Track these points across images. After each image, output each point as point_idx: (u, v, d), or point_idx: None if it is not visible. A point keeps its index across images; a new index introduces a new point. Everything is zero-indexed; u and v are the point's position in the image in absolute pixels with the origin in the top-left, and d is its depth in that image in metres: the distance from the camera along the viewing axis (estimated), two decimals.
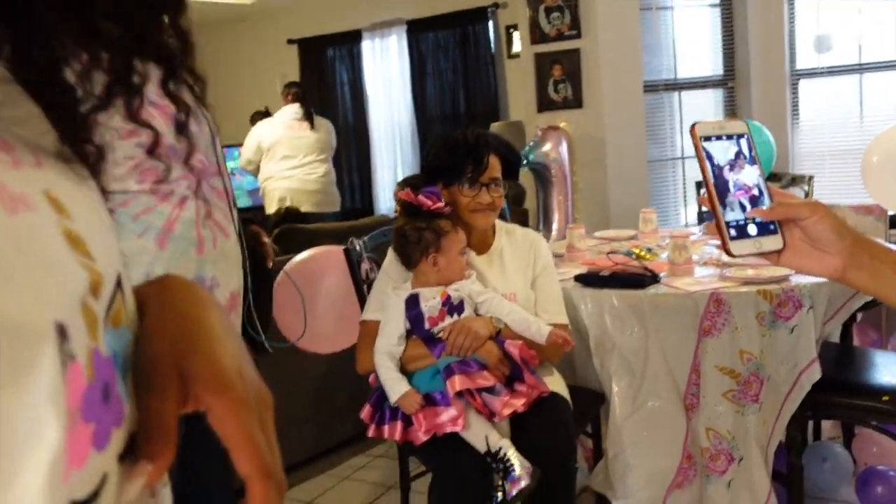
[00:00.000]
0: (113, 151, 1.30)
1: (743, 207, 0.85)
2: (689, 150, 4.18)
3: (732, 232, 0.85)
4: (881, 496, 2.32)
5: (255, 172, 5.09)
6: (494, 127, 4.68)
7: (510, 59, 5.93)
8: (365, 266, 2.18)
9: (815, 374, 1.98)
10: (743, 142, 0.88)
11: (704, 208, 3.47)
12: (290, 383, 3.05)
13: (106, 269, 0.39)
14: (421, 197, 1.93)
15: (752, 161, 0.88)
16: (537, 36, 4.11)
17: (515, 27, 5.45)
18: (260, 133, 4.96)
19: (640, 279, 2.16)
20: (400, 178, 6.39)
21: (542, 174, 3.91)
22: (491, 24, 6.08)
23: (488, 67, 6.14)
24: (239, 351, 0.48)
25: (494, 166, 2.02)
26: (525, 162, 3.96)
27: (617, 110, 4.02)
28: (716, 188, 0.85)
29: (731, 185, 0.86)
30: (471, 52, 6.24)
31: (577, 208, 3.96)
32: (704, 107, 4.34)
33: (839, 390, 2.13)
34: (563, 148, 3.94)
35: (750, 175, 0.87)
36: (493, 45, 6.08)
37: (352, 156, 6.78)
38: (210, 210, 1.50)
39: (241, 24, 7.12)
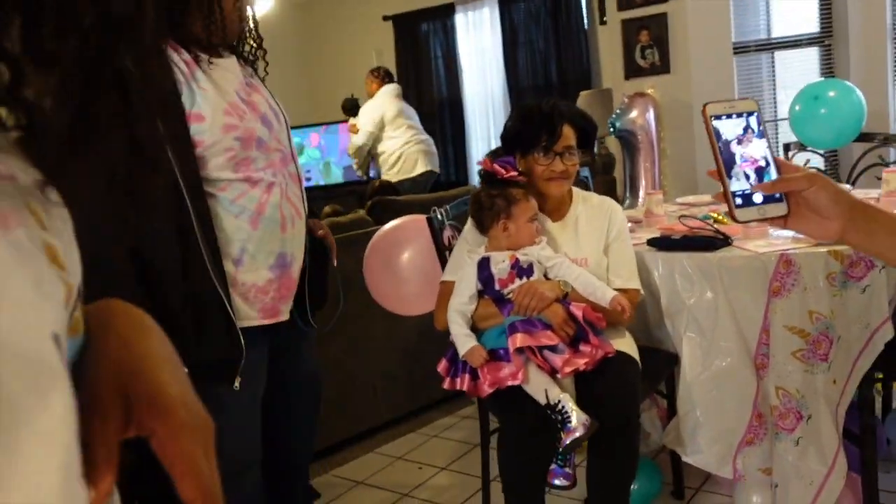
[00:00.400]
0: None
1: (748, 177, 0.93)
2: (782, 112, 4.09)
3: (738, 200, 0.93)
4: None
5: (366, 150, 5.54)
6: (583, 95, 4.70)
7: (602, 25, 5.90)
8: (447, 233, 2.32)
9: (889, 333, 1.99)
10: (752, 119, 0.96)
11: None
12: (383, 345, 3.25)
13: (74, 280, 0.40)
14: (496, 165, 2.04)
15: (761, 135, 0.95)
16: (624, 2, 4.10)
17: None
18: (378, 106, 5.45)
19: (712, 241, 2.21)
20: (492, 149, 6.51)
21: (629, 141, 3.93)
22: None
23: (579, 35, 6.11)
24: (181, 377, 0.50)
25: (568, 136, 2.11)
26: (612, 130, 3.99)
27: (705, 74, 3.97)
28: (724, 161, 0.94)
29: (737, 157, 0.94)
30: (562, 20, 6.23)
31: (665, 174, 3.96)
32: (800, 66, 4.22)
33: None
34: (651, 115, 3.94)
35: (758, 148, 0.95)
36: (584, 13, 6.04)
37: (447, 129, 6.92)
38: (288, 194, 1.70)
39: (337, 2, 7.35)
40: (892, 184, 2.51)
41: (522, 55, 6.55)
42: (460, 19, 6.84)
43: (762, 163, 0.95)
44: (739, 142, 0.96)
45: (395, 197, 3.76)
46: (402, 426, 3.28)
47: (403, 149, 5.42)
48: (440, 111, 7.00)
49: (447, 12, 6.86)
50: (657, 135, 3.94)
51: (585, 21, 6.03)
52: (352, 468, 2.94)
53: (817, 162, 3.44)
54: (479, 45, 6.77)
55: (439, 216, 2.34)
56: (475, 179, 6.53)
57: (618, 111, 3.98)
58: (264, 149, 1.66)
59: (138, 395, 0.45)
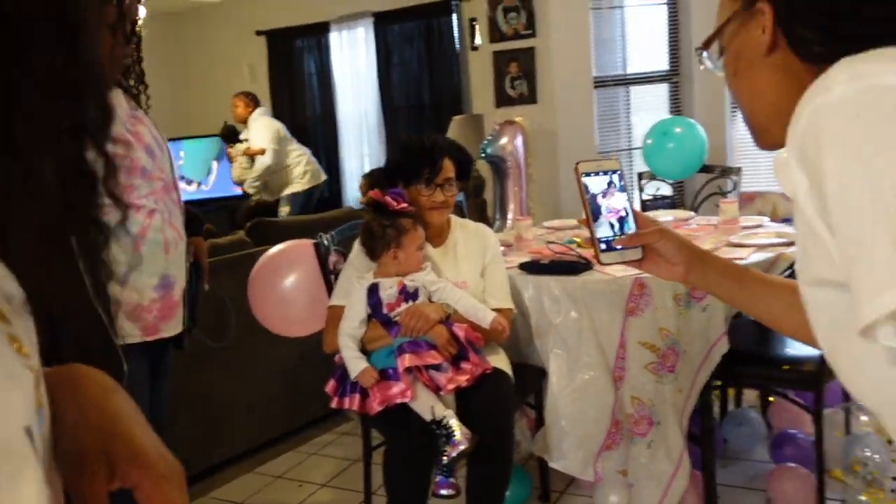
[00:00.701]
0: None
1: (612, 226, 1.11)
2: (636, 141, 4.47)
3: (603, 246, 1.11)
4: (791, 456, 2.63)
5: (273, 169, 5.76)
6: (456, 121, 4.92)
7: (473, 51, 6.16)
8: (332, 258, 2.42)
9: (724, 347, 2.28)
10: (615, 176, 1.14)
11: (646, 193, 3.75)
12: (264, 366, 3.29)
13: (36, 362, 0.44)
14: (387, 197, 2.17)
15: (622, 189, 1.14)
16: (496, 35, 4.35)
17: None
18: (269, 124, 5.78)
19: (575, 266, 2.44)
20: (367, 168, 6.63)
21: (499, 166, 4.16)
22: (455, 17, 6.28)
23: (452, 59, 6.34)
24: (149, 430, 0.55)
25: (448, 168, 2.27)
26: (483, 155, 4.21)
27: (569, 105, 4.28)
28: (591, 212, 1.12)
29: (603, 208, 1.12)
30: (435, 44, 6.45)
31: (531, 198, 4.22)
32: (652, 100, 4.62)
33: (749, 362, 2.43)
34: (519, 141, 4.20)
35: (619, 200, 1.13)
36: (456, 38, 6.29)
37: (319, 146, 6.96)
38: (171, 220, 1.85)
39: (210, 15, 7.26)
40: (729, 213, 2.85)
41: (397, 75, 6.71)
42: (335, 38, 6.93)
43: (623, 213, 1.14)
44: (604, 195, 1.14)
45: (275, 218, 3.81)
46: (281, 445, 3.33)
47: (302, 159, 5.80)
48: (314, 128, 7.04)
49: (322, 30, 6.93)
50: (525, 160, 4.20)
51: (458, 46, 6.27)
52: (232, 489, 2.97)
53: (665, 190, 3.80)
54: (353, 64, 6.88)
55: (325, 241, 2.45)
56: (349, 198, 6.63)
57: (489, 137, 4.22)
58: (148, 177, 1.79)
59: (119, 454, 0.51)
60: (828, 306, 0.75)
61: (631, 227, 1.13)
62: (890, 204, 0.61)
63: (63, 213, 0.43)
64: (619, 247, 1.11)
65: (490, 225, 4.21)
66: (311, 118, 7.07)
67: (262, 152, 5.64)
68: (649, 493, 2.29)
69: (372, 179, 4.37)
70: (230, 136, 5.82)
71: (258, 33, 7.15)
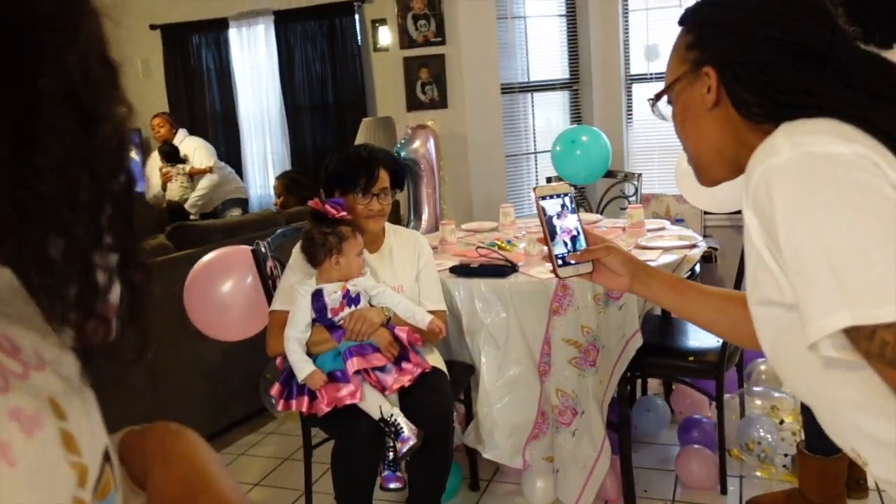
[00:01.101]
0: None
1: (565, 244, 1.27)
2: (541, 146, 4.70)
3: (559, 261, 1.27)
4: (696, 439, 2.89)
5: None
6: (365, 122, 4.99)
7: (376, 52, 6.23)
8: (269, 264, 2.48)
9: (638, 341, 2.50)
10: (566, 199, 1.30)
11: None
12: (187, 367, 3.29)
13: (92, 457, 0.44)
14: (328, 206, 2.25)
15: (573, 211, 1.29)
16: (406, 41, 4.47)
17: (382, 21, 5.77)
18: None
19: (503, 270, 2.60)
20: (270, 166, 6.60)
21: (412, 169, 4.29)
22: (357, 17, 6.34)
23: (355, 60, 6.39)
24: (236, 485, 0.56)
25: (384, 178, 2.38)
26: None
27: (478, 110, 4.46)
28: (549, 231, 1.27)
29: (558, 229, 1.27)
30: (338, 44, 6.47)
31: (444, 199, 4.37)
32: (554, 107, 4.87)
33: (657, 354, 2.67)
34: (431, 145, 4.33)
35: (571, 221, 1.29)
36: (359, 39, 6.35)
37: (220, 143, 6.84)
38: None
39: (101, 7, 6.98)
40: (636, 217, 3.10)
41: (299, 74, 6.68)
42: (234, 34, 6.82)
43: (574, 232, 1.29)
44: (559, 216, 1.29)
45: (194, 221, 3.79)
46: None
47: (231, 173, 6.07)
48: (214, 126, 6.91)
49: (220, 26, 6.81)
50: (437, 163, 4.35)
51: (360, 47, 6.34)
52: None
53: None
54: (254, 62, 6.79)
55: (262, 248, 2.50)
56: (251, 196, 6.56)
57: (402, 141, 4.33)
58: None
59: None
60: (772, 321, 0.93)
61: (582, 244, 1.29)
62: (828, 247, 0.79)
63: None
64: (573, 262, 1.27)
65: (403, 226, 4.34)
66: (210, 115, 6.94)
67: (210, 170, 5.74)
68: (574, 477, 2.48)
69: (286, 181, 4.40)
70: (172, 156, 5.71)
71: (152, 27, 6.95)
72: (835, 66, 0.93)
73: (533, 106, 4.79)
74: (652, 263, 2.55)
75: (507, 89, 4.63)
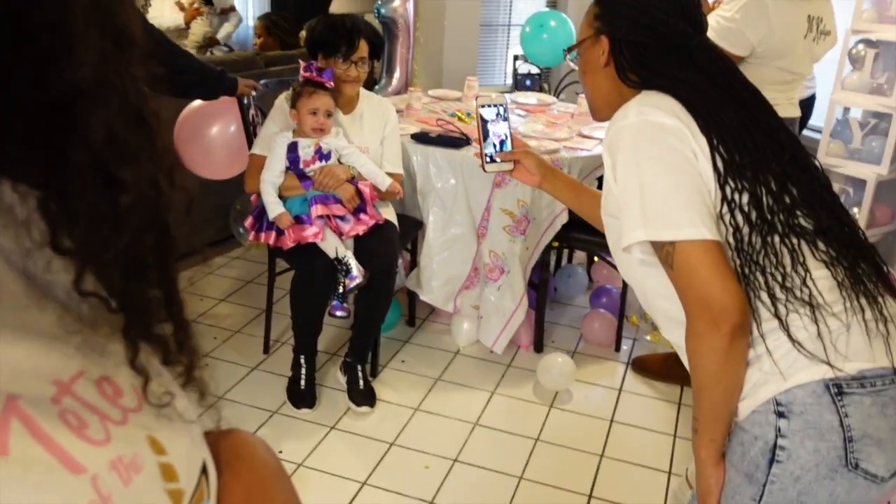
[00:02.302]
0: None
1: (494, 146, 1.62)
2: (516, 18, 4.89)
3: (487, 158, 1.62)
4: (605, 304, 3.39)
5: None
6: None
7: None
8: (252, 112, 2.78)
9: (564, 218, 2.91)
10: (501, 108, 1.63)
11: (519, 72, 4.25)
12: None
13: (190, 478, 0.46)
14: (323, 77, 2.52)
15: (506, 119, 1.63)
16: None
17: None
18: None
19: (458, 141, 2.95)
20: (248, 6, 6.61)
21: (389, 28, 4.48)
22: None
23: None
24: (296, 497, 0.58)
25: (363, 48, 2.66)
26: (377, 14, 4.50)
27: None
28: (483, 133, 1.61)
29: (491, 132, 1.62)
30: None
31: (417, 61, 4.61)
32: None
33: (580, 230, 3.09)
34: (410, 5, 4.50)
35: (502, 128, 1.63)
36: None
37: None
38: None
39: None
40: (584, 107, 3.42)
41: None
42: None
43: (503, 137, 1.63)
44: (493, 122, 1.64)
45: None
46: (180, 263, 3.73)
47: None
48: None
49: None
50: (413, 24, 4.54)
51: None
52: None
53: (535, 71, 4.31)
54: None
55: (245, 99, 2.79)
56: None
57: None
58: None
59: None
60: (612, 228, 1.32)
61: (508, 147, 1.64)
62: (642, 186, 1.17)
63: None
64: (498, 160, 1.63)
65: (376, 81, 4.59)
66: None
67: (233, 9, 5.57)
68: (494, 323, 2.97)
69: (268, 23, 4.55)
70: None
71: None
72: (691, 56, 1.27)
73: None
74: (587, 153, 2.93)
75: None
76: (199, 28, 5.44)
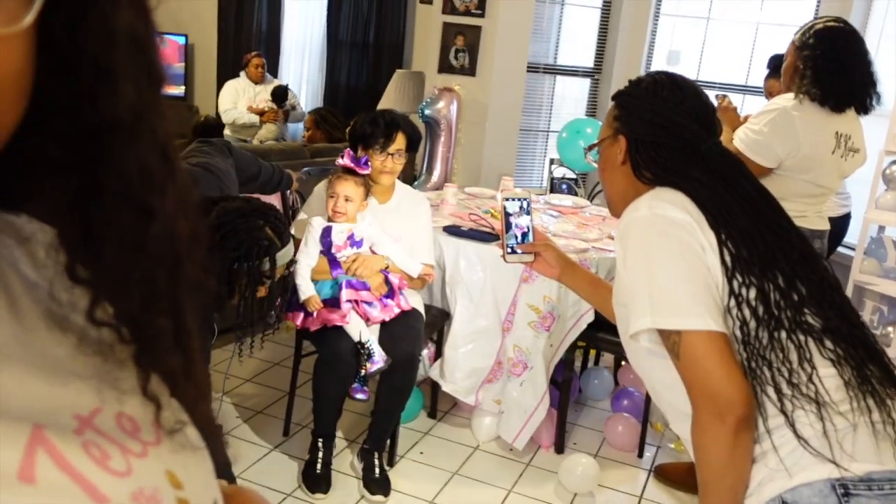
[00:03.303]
0: None
1: (516, 238, 1.67)
2: (555, 125, 5.05)
3: (509, 249, 1.67)
4: (626, 406, 3.34)
5: None
6: (399, 73, 5.34)
7: (421, 3, 6.52)
8: (291, 196, 2.90)
9: (590, 317, 2.92)
10: (525, 203, 1.70)
11: (555, 176, 4.35)
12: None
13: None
14: (359, 167, 2.64)
15: (528, 213, 1.69)
16: (448, 8, 4.80)
17: None
18: None
19: (489, 236, 3.02)
20: (304, 95, 6.95)
21: (432, 127, 4.67)
22: None
23: (400, 7, 6.67)
24: None
25: (400, 141, 2.78)
26: (421, 114, 4.71)
27: (502, 84, 4.81)
28: (506, 225, 1.67)
29: (513, 225, 1.68)
30: None
31: (457, 159, 4.77)
32: (574, 92, 5.21)
33: (606, 331, 3.09)
34: (454, 108, 4.71)
35: (524, 221, 1.69)
36: None
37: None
38: None
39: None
40: None
41: (346, 9, 6.96)
42: None
43: (525, 230, 1.69)
44: (516, 215, 1.70)
45: (231, 138, 4.18)
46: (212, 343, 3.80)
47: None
48: (257, 46, 7.23)
49: None
50: (456, 126, 4.73)
51: None
52: None
53: (570, 175, 4.42)
54: None
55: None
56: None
57: (428, 100, 4.70)
58: None
59: None
60: (622, 318, 1.35)
61: (530, 239, 1.69)
62: (650, 276, 1.20)
63: None
64: (519, 251, 1.68)
65: (416, 177, 4.74)
66: (255, 35, 7.24)
67: (294, 107, 5.84)
68: (515, 419, 2.94)
69: (317, 117, 4.78)
70: (282, 98, 5.77)
71: None
72: (704, 157, 1.33)
73: (554, 87, 5.13)
74: (615, 254, 2.96)
75: (533, 68, 4.96)
76: (269, 131, 5.67)
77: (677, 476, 2.90)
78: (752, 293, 1.19)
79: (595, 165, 1.52)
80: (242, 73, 5.97)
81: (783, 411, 1.14)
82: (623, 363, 3.67)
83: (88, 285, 0.41)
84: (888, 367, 1.22)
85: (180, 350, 0.47)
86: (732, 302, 1.19)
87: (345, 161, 2.65)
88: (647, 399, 3.07)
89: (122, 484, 0.40)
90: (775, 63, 3.62)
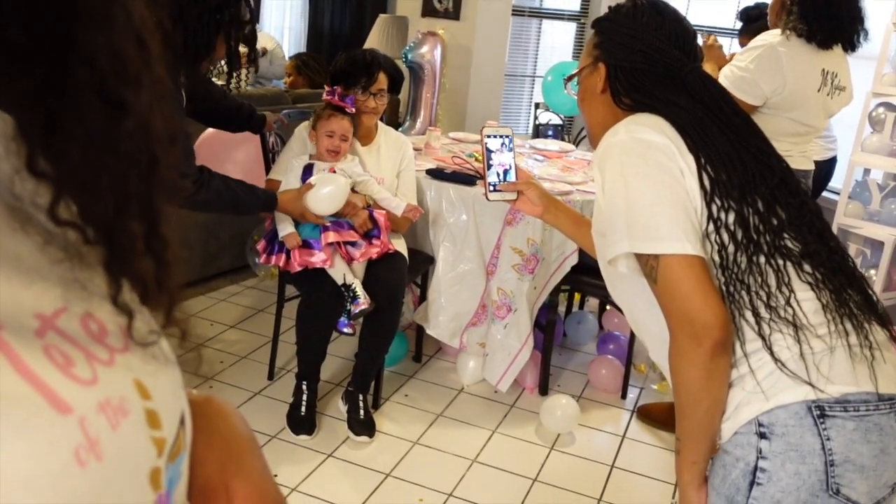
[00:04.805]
0: None
1: (498, 175, 1.64)
2: (540, 70, 4.98)
3: (491, 188, 1.64)
4: (612, 350, 3.36)
5: None
6: (382, 18, 5.22)
7: None
8: (271, 139, 2.85)
9: (574, 260, 2.92)
10: (507, 139, 1.66)
11: (540, 121, 4.31)
12: (183, 219, 3.68)
13: (171, 427, 0.45)
14: (346, 102, 2.60)
15: (510, 150, 1.66)
16: None
17: None
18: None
19: (472, 178, 2.98)
20: (286, 42, 6.81)
21: (416, 72, 4.59)
22: None
23: None
24: (264, 463, 0.57)
25: (382, 81, 2.73)
26: (404, 59, 4.62)
27: (487, 28, 4.73)
28: (487, 162, 1.64)
29: (495, 162, 1.64)
30: None
31: (441, 105, 4.70)
32: (560, 35, 5.13)
33: (590, 274, 3.09)
34: (438, 52, 4.62)
35: (506, 158, 1.65)
36: None
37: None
38: None
39: None
40: None
41: None
42: None
43: (507, 167, 1.66)
44: (497, 152, 1.66)
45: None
46: (194, 289, 3.78)
47: None
48: None
49: None
50: (440, 71, 4.65)
51: None
52: None
53: (556, 120, 4.38)
54: None
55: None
56: (265, 68, 6.78)
57: (411, 44, 4.61)
58: None
59: (241, 492, 0.53)
60: (601, 247, 1.33)
61: (512, 177, 1.66)
62: (628, 200, 1.18)
63: None
64: (501, 189, 1.65)
65: (400, 123, 4.68)
66: None
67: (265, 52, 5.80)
68: (499, 362, 2.95)
69: (298, 62, 4.68)
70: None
71: None
72: (684, 82, 1.30)
73: (540, 32, 5.05)
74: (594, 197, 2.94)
75: (518, 12, 4.87)
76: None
77: (659, 415, 2.93)
78: (731, 217, 1.18)
79: (574, 96, 1.49)
80: None
81: (760, 334, 1.14)
82: (608, 308, 3.69)
83: (51, 181, 0.38)
84: (867, 293, 1.21)
85: (153, 257, 0.43)
86: (711, 226, 1.18)
87: (333, 98, 2.60)
88: (631, 341, 3.09)
89: (87, 393, 0.38)
90: (747, 15, 3.57)
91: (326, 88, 2.64)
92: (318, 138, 2.58)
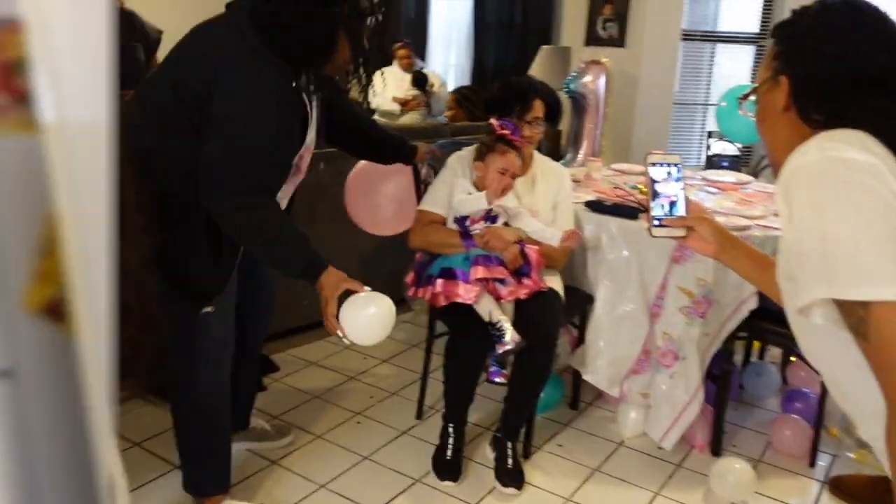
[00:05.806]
0: None
1: (662, 207, 1.42)
2: (713, 98, 4.64)
3: (656, 222, 1.41)
4: (799, 409, 2.96)
5: None
6: (544, 50, 5.11)
7: None
8: (423, 170, 2.76)
9: (753, 303, 2.58)
10: (674, 168, 1.43)
11: (712, 151, 3.98)
12: (344, 252, 3.68)
13: None
14: (513, 135, 2.47)
15: (678, 180, 1.43)
16: None
17: None
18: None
19: (635, 211, 2.74)
20: (451, 78, 6.87)
21: (578, 102, 4.41)
22: None
23: None
24: None
25: (538, 108, 2.57)
26: (566, 89, 4.45)
27: (655, 54, 4.46)
28: (652, 193, 1.42)
29: (660, 193, 1.42)
30: None
31: (605, 136, 4.47)
32: (736, 60, 4.76)
33: (773, 321, 2.73)
34: (602, 81, 4.42)
35: (673, 188, 1.42)
36: None
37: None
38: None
39: None
40: None
41: None
42: None
43: (674, 199, 1.43)
44: (663, 183, 1.44)
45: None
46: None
47: None
48: (404, 33, 7.24)
49: None
50: (604, 100, 4.43)
51: None
52: (306, 350, 3.44)
53: (732, 150, 4.01)
54: None
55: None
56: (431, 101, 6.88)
57: (574, 73, 4.44)
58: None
59: None
60: (790, 294, 1.07)
61: (679, 210, 1.42)
62: (825, 234, 0.93)
63: None
64: (667, 224, 1.42)
65: (561, 155, 4.50)
66: (403, 22, 7.25)
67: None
68: (664, 416, 2.66)
69: (458, 96, 4.65)
70: (423, 83, 5.97)
71: None
72: (892, 88, 1.03)
73: (713, 56, 4.71)
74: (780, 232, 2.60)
75: (689, 36, 4.57)
76: (411, 119, 5.68)
77: (858, 490, 2.51)
78: None
79: (752, 117, 1.24)
80: (395, 62, 6.09)
81: None
82: (793, 359, 3.27)
83: None
84: None
85: None
86: None
87: (507, 131, 2.46)
88: (822, 399, 2.69)
89: None
90: None
91: (497, 122, 2.49)
92: (488, 173, 2.45)
